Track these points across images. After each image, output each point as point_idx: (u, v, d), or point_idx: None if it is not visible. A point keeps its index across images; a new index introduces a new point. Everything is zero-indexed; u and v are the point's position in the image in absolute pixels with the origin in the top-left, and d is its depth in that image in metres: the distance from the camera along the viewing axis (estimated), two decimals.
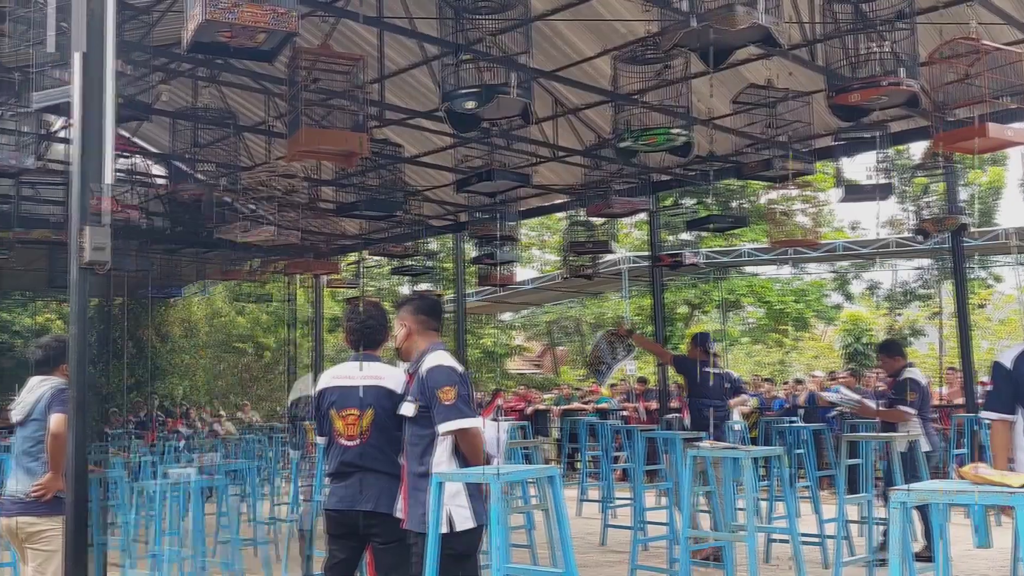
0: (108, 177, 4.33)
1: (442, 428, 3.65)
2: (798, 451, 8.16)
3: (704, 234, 19.78)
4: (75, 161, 4.29)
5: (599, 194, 10.19)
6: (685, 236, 21.13)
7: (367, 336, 4.16)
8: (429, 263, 15.00)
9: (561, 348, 32.92)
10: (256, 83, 10.25)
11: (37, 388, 4.75)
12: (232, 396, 21.99)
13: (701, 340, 8.08)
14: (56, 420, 4.48)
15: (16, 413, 4.82)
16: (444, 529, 3.58)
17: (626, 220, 22.46)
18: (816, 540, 7.07)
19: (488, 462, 3.81)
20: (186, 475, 4.06)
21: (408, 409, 3.79)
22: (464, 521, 3.63)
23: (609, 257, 15.71)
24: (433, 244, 15.35)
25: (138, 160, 11.67)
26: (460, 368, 3.81)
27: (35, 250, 12.99)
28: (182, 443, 14.90)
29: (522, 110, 6.55)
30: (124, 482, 6.35)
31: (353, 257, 16.97)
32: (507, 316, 30.26)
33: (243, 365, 23.71)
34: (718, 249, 20.19)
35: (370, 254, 15.92)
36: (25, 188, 11.12)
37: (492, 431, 3.94)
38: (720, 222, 11.46)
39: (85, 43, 4.38)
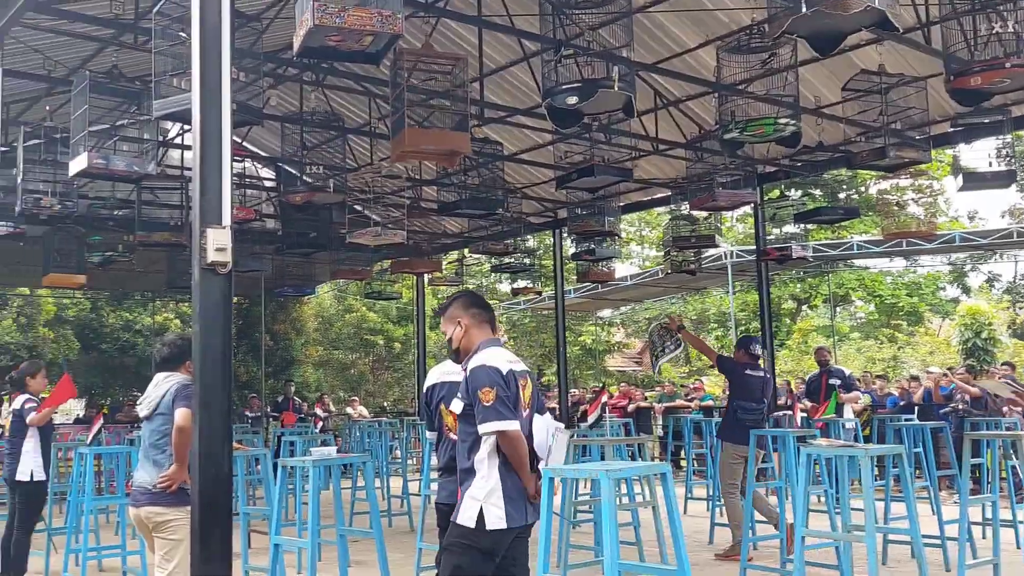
0: (227, 182, 4.49)
1: (480, 429, 3.62)
2: (915, 450, 7.86)
3: (811, 226, 19.28)
4: (195, 165, 4.46)
5: (703, 187, 10.02)
6: (790, 229, 20.63)
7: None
8: (527, 260, 15.06)
9: None
10: (358, 84, 10.47)
11: (163, 384, 4.97)
12: (342, 392, 22.62)
13: (745, 343, 8.17)
14: (181, 415, 4.67)
15: (143, 408, 5.05)
16: (471, 524, 3.56)
17: (728, 213, 22.09)
18: (936, 542, 6.79)
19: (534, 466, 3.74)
20: (328, 453, 4.31)
21: (456, 406, 3.78)
22: (496, 521, 3.56)
23: (712, 252, 15.44)
24: (531, 241, 15.42)
25: (248, 164, 12.08)
26: (506, 368, 3.69)
27: (155, 252, 13.54)
28: (319, 425, 15.57)
29: (625, 103, 6.49)
30: (267, 459, 6.75)
31: (455, 255, 17.20)
32: (606, 313, 30.11)
33: (373, 357, 24.73)
34: (826, 242, 19.62)
35: (470, 252, 16.08)
36: (145, 193, 11.62)
37: (542, 434, 3.83)
38: (830, 214, 11.12)
39: (202, 52, 4.55)
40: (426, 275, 16.46)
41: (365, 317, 24.39)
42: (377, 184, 11.62)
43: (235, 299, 20.35)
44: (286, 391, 17.99)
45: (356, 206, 11.77)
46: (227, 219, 4.44)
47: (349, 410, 18.21)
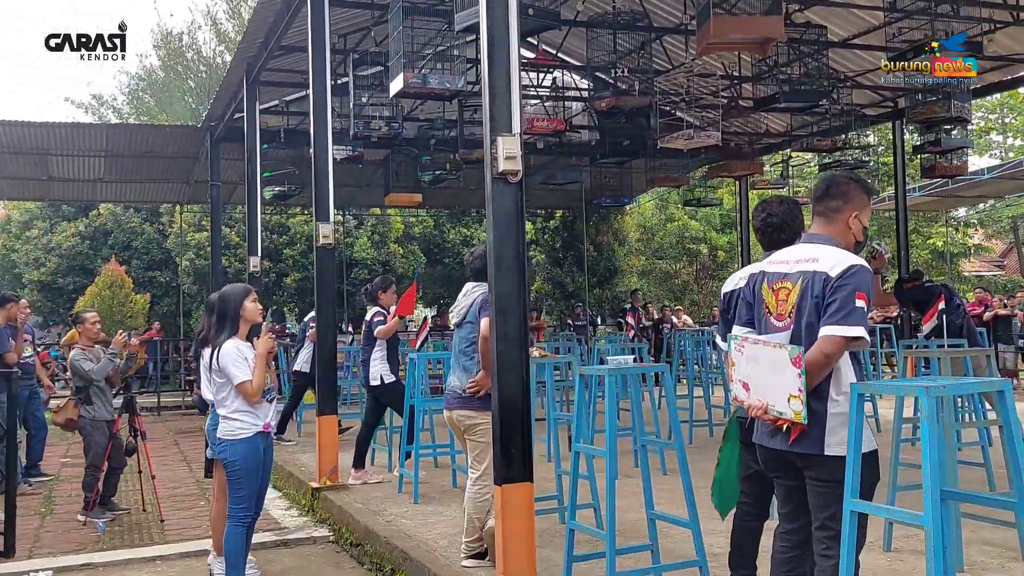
0: (515, 89, 4.41)
1: None
2: None
3: None
4: (483, 74, 4.43)
5: None
6: None
7: (767, 235, 3.79)
8: (863, 157, 13.77)
9: None
10: None
11: (470, 294, 5.12)
12: (666, 301, 22.59)
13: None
14: (486, 323, 4.77)
15: (454, 316, 5.26)
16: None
17: None
18: None
19: None
20: (624, 361, 4.24)
21: None
22: None
23: None
24: (871, 136, 14.05)
25: (558, 74, 12.08)
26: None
27: (479, 169, 14.11)
28: (631, 334, 15.79)
29: None
30: (575, 366, 6.83)
31: (779, 156, 16.19)
32: (961, 212, 26.99)
33: (697, 266, 24.59)
34: None
35: (796, 151, 15.04)
36: (466, 112, 12.07)
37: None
38: None
39: None
40: (748, 178, 15.68)
41: (687, 226, 24.02)
42: (690, 85, 11.12)
43: (558, 212, 20.92)
44: (634, 300, 18.30)
45: (666, 108, 11.34)
46: (516, 126, 4.38)
47: (673, 319, 18.13)
